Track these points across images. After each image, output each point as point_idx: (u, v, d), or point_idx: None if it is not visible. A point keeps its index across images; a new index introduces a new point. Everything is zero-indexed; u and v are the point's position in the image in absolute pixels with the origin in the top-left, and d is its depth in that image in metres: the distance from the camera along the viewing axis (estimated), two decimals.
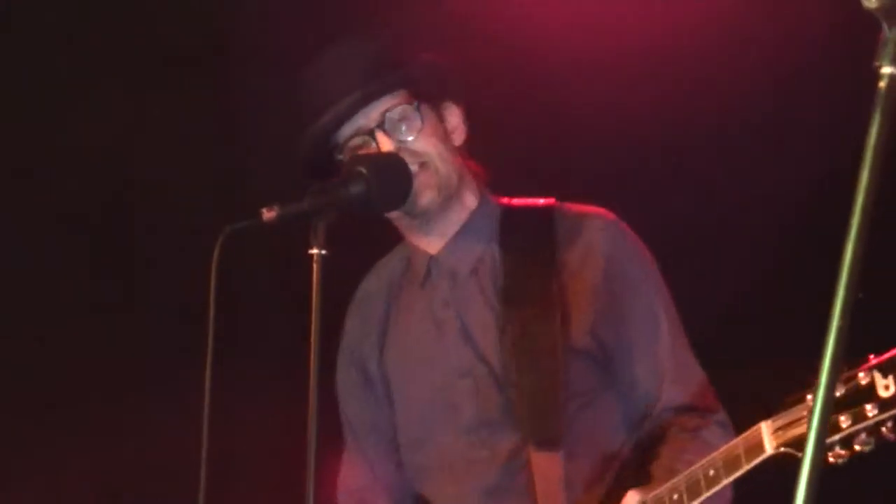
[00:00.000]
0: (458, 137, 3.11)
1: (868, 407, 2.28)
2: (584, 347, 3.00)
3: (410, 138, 3.02)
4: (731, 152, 4.70)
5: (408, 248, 3.20)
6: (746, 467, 2.56)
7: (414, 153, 3.02)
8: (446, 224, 3.10)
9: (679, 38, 4.57)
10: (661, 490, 2.75)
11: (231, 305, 2.81)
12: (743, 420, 2.72)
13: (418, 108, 3.04)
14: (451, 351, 3.09)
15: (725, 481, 2.60)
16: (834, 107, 4.22)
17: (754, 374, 4.53)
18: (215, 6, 5.06)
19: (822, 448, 1.70)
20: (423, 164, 3.01)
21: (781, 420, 2.48)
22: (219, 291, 2.76)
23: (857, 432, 2.29)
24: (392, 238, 3.27)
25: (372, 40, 3.11)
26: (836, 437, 2.30)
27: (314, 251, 2.76)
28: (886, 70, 1.71)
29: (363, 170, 2.92)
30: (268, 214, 2.81)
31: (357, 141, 3.06)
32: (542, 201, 3.14)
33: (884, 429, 2.27)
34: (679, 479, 2.70)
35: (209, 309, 2.77)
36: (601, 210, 3.13)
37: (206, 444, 2.76)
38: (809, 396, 2.37)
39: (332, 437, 2.81)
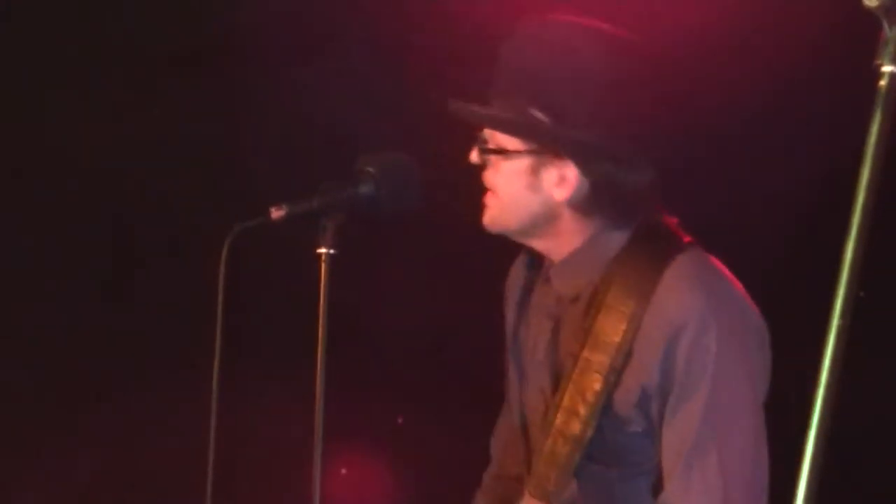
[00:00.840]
0: (561, 193, 2.86)
1: None
2: (626, 416, 2.80)
3: (480, 164, 2.95)
4: (730, 152, 4.71)
5: None
6: None
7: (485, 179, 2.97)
8: (551, 250, 2.96)
9: (678, 38, 4.57)
10: None
11: (237, 304, 2.81)
12: None
13: (482, 155, 2.91)
14: (538, 363, 3.02)
15: None
16: (834, 106, 4.22)
17: None
18: (217, 6, 5.06)
19: (822, 448, 1.69)
20: (491, 191, 2.93)
21: None
22: (226, 290, 2.77)
23: None
24: (401, 239, 3.26)
25: (533, 71, 2.87)
26: None
27: (322, 250, 2.77)
28: (887, 69, 1.71)
29: (372, 170, 2.91)
30: (276, 213, 2.81)
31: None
32: (681, 240, 2.89)
33: None
34: None
35: (216, 308, 2.77)
36: (714, 277, 2.84)
37: (213, 444, 2.76)
38: None
39: (339, 436, 2.81)
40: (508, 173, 2.90)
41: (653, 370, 2.76)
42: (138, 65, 5.09)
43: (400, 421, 5.44)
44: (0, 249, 5.09)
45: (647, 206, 2.91)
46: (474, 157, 2.94)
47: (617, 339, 2.79)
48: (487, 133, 2.91)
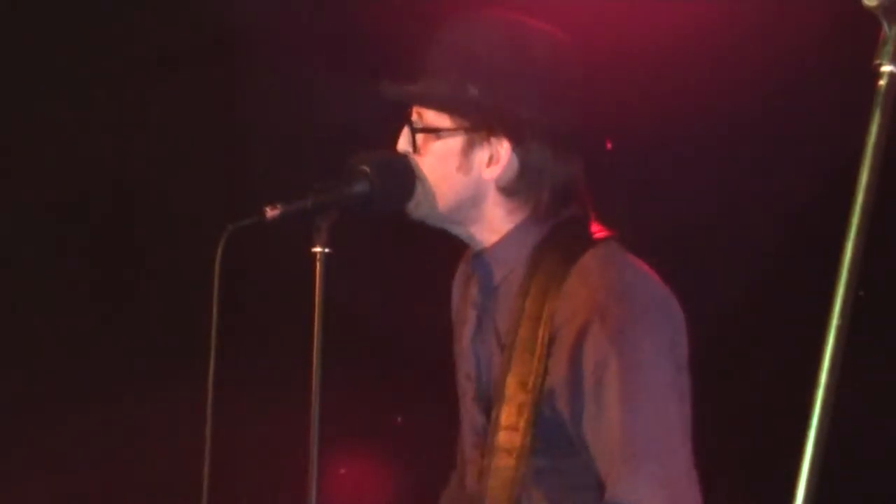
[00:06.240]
0: (491, 172, 2.86)
1: None
2: (547, 413, 2.79)
3: (410, 150, 2.94)
4: (730, 152, 4.71)
5: None
6: None
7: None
8: (474, 238, 2.96)
9: (678, 39, 4.58)
10: None
11: (233, 303, 2.81)
12: (738, 423, 2.71)
13: (413, 136, 2.89)
14: (464, 350, 3.02)
15: None
16: (833, 106, 4.23)
17: (752, 373, 4.54)
18: (217, 5, 5.07)
19: (821, 449, 1.69)
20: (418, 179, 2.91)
21: None
22: (221, 290, 2.77)
23: None
24: (395, 237, 3.25)
25: (463, 52, 2.86)
26: None
27: (317, 249, 2.77)
28: (886, 68, 1.71)
29: (366, 169, 2.90)
30: (271, 213, 2.81)
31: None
32: (592, 235, 2.87)
33: None
34: None
35: (212, 307, 2.77)
36: (616, 269, 2.82)
37: (209, 444, 2.76)
38: None
39: (335, 437, 2.80)
40: (439, 154, 2.88)
41: (562, 367, 2.75)
42: (137, 64, 5.09)
43: (399, 421, 5.44)
44: (1, 248, 5.10)
45: (571, 203, 2.90)
46: (402, 143, 2.92)
47: (538, 346, 2.78)
48: (417, 115, 2.89)
